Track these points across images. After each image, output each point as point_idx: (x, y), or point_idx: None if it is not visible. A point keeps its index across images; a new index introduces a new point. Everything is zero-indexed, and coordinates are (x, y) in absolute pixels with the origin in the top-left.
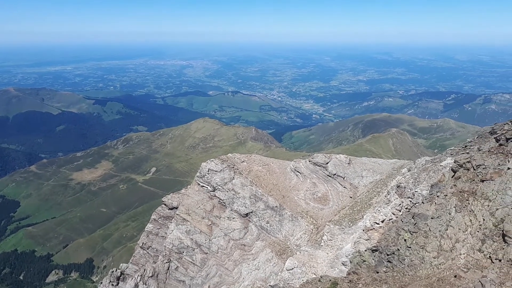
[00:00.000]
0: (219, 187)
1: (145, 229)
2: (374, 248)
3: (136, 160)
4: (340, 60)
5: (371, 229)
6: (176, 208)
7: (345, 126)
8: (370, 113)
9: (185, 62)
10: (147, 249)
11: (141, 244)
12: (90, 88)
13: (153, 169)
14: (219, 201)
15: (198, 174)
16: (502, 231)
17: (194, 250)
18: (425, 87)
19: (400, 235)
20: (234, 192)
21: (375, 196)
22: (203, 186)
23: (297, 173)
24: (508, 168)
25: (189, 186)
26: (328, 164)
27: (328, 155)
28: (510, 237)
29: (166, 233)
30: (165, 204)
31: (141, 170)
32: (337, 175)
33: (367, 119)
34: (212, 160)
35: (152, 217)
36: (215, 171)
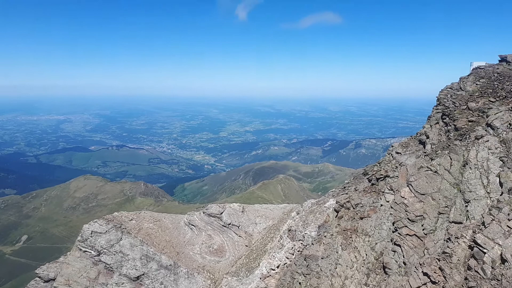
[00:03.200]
0: (105, 250)
1: None
2: None
3: (3, 228)
4: (228, 112)
5: (268, 276)
6: (54, 279)
7: (236, 175)
8: (259, 161)
9: (62, 116)
10: None
11: None
12: None
13: (24, 237)
14: (105, 266)
15: (79, 238)
16: (382, 263)
17: None
18: (305, 136)
19: (294, 278)
20: (122, 254)
21: (269, 242)
22: (86, 251)
23: (192, 226)
24: (381, 205)
25: (68, 253)
26: (223, 214)
27: (222, 204)
28: (390, 268)
29: None
30: (39, 277)
31: (9, 240)
32: (232, 224)
33: (256, 167)
34: (96, 221)
35: None
36: (100, 232)
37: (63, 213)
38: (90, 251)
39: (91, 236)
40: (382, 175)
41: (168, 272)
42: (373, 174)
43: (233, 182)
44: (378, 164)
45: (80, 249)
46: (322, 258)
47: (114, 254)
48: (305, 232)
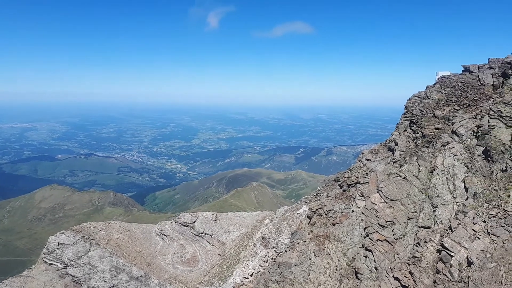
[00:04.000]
0: (72, 262)
1: None
2: None
3: None
4: (200, 120)
5: (241, 285)
6: None
7: (209, 183)
8: (232, 169)
9: (27, 124)
10: None
11: None
12: None
13: None
14: (72, 279)
15: (45, 250)
16: (354, 269)
17: None
18: (278, 143)
19: (268, 286)
20: (91, 266)
21: (242, 250)
22: (52, 263)
23: (163, 236)
24: (353, 211)
25: (33, 266)
26: (195, 223)
27: (195, 213)
28: (362, 274)
29: None
30: None
31: None
32: (205, 233)
33: (229, 175)
34: (63, 232)
35: None
36: (67, 244)
37: (28, 224)
38: (56, 263)
39: (57, 248)
40: (353, 181)
41: (139, 283)
42: (344, 181)
43: (206, 190)
44: (349, 171)
45: (46, 262)
46: (295, 265)
47: (82, 266)
48: (279, 239)
